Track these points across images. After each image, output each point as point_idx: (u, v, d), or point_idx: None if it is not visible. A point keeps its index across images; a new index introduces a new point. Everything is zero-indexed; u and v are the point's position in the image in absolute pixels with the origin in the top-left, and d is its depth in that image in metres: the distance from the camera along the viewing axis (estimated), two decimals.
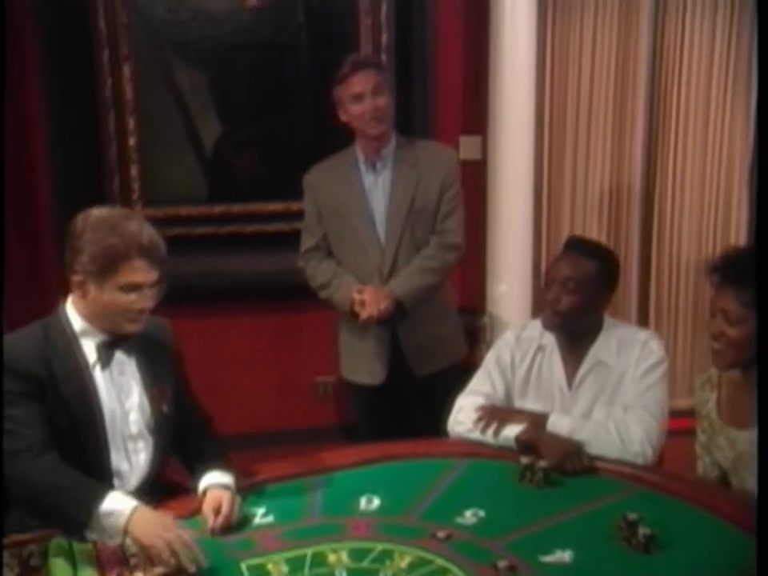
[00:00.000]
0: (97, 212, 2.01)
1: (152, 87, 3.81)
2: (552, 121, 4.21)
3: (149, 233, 1.99)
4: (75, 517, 1.85)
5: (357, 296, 2.81)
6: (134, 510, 1.83)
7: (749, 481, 2.11)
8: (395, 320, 2.88)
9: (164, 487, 2.11)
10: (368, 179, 2.95)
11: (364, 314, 2.79)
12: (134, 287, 1.96)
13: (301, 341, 4.08)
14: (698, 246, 4.32)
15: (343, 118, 2.89)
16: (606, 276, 2.40)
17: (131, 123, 3.80)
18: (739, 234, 4.33)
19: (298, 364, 4.12)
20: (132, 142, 3.82)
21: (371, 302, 2.78)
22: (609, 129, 4.24)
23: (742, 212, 4.31)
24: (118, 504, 1.85)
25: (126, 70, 3.76)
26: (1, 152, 3.21)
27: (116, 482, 2.02)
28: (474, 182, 4.20)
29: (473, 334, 4.09)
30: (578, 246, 2.45)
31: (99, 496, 1.85)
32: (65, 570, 1.77)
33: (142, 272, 1.96)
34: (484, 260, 4.14)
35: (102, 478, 1.98)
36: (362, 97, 2.80)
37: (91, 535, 1.85)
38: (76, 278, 1.97)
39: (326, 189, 2.98)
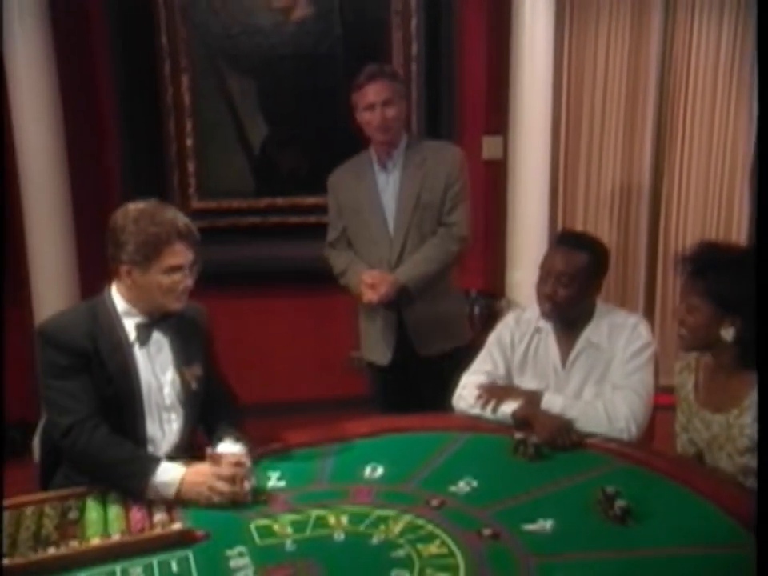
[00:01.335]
0: (134, 206, 1.97)
1: (207, 94, 3.82)
2: (568, 123, 4.11)
3: (183, 219, 1.96)
4: (132, 488, 1.84)
5: (364, 278, 2.75)
6: (183, 481, 1.83)
7: (721, 460, 2.01)
8: (400, 304, 2.80)
9: (193, 452, 2.07)
10: (381, 179, 2.86)
11: (366, 296, 2.73)
12: (176, 268, 1.93)
13: (338, 319, 4.03)
14: (703, 236, 4.16)
15: (358, 119, 2.81)
16: (597, 265, 2.30)
17: (189, 126, 3.82)
18: (740, 229, 4.17)
19: (335, 340, 4.08)
20: (189, 142, 3.84)
21: (374, 286, 2.71)
22: (620, 131, 4.12)
23: (743, 209, 4.15)
24: (168, 475, 1.83)
25: (185, 80, 3.77)
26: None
27: (149, 447, 1.99)
28: (496, 178, 4.13)
29: (492, 315, 4.02)
30: (570, 240, 2.34)
31: (152, 469, 1.83)
32: (98, 523, 1.76)
33: (182, 254, 1.94)
34: (504, 249, 4.05)
35: (137, 443, 1.95)
36: (373, 106, 2.71)
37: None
38: (123, 268, 1.94)
39: (344, 187, 2.92)
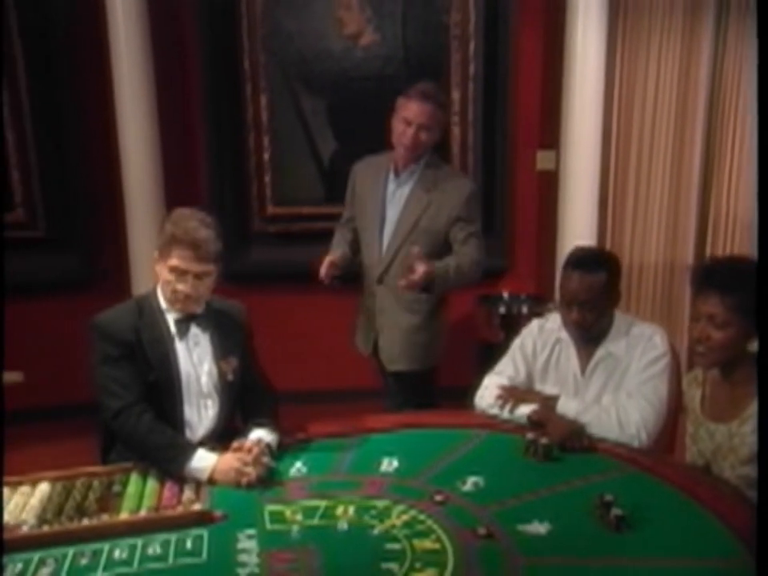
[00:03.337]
0: (177, 210, 1.98)
1: (283, 112, 3.80)
2: (618, 138, 3.86)
3: (203, 232, 1.89)
4: (170, 471, 1.83)
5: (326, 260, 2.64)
6: (214, 469, 1.81)
7: (725, 471, 1.83)
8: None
9: (232, 435, 2.03)
10: (390, 189, 2.65)
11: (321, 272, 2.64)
12: (177, 271, 1.89)
13: None
14: (750, 253, 3.84)
15: (393, 122, 2.60)
16: (614, 279, 2.11)
17: (266, 141, 3.82)
18: None
19: None
20: (266, 156, 3.84)
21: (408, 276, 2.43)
22: (669, 146, 3.84)
23: None
24: (202, 462, 1.82)
25: (263, 99, 3.77)
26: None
27: (187, 430, 1.98)
28: (548, 189, 3.95)
29: (539, 316, 3.86)
30: (585, 262, 2.10)
31: (189, 456, 1.82)
32: (134, 498, 1.75)
33: (186, 260, 1.88)
34: (554, 256, 3.86)
35: (176, 426, 1.95)
36: (409, 123, 2.51)
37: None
38: (155, 258, 1.95)
39: (360, 182, 2.75)
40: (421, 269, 2.34)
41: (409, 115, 2.52)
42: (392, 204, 2.65)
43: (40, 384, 4.00)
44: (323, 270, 2.61)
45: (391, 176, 2.66)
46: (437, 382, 2.79)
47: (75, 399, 3.75)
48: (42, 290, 3.89)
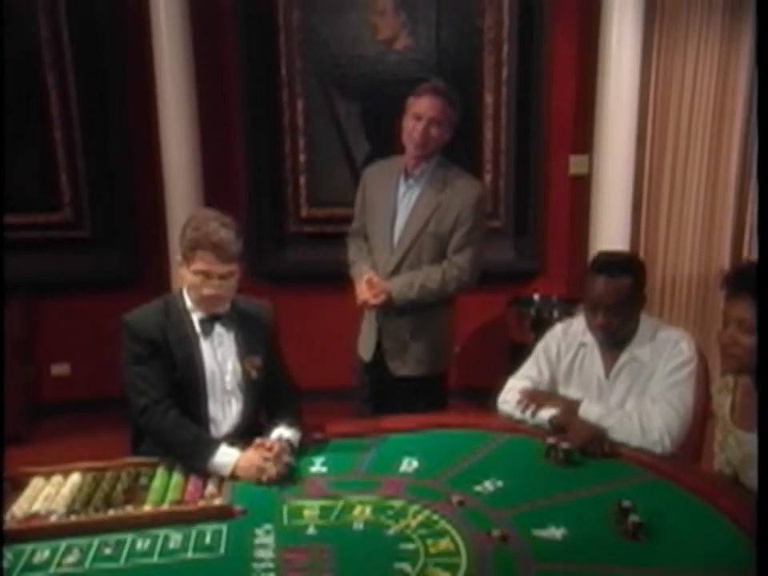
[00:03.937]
0: (196, 212, 2.00)
1: (318, 116, 3.82)
2: (653, 142, 3.78)
3: (223, 234, 1.89)
4: (194, 466, 1.84)
5: (366, 278, 2.49)
6: (236, 465, 1.82)
7: (753, 480, 1.75)
8: (382, 312, 2.57)
9: (256, 432, 2.04)
10: (401, 191, 2.54)
11: (359, 297, 2.50)
12: (202, 273, 1.90)
13: None
14: None
15: (403, 124, 2.50)
16: (639, 282, 2.04)
17: (302, 144, 3.85)
18: None
19: None
20: (302, 158, 3.86)
21: (368, 291, 2.46)
22: (705, 150, 3.74)
23: None
24: (224, 458, 1.83)
25: (299, 104, 3.79)
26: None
27: (211, 426, 1.99)
28: (582, 193, 3.88)
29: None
30: (609, 266, 2.03)
31: (212, 451, 1.83)
32: (159, 491, 1.77)
33: (208, 263, 1.89)
34: (586, 259, 3.77)
35: (201, 422, 1.96)
36: (420, 118, 2.41)
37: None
38: (179, 262, 1.97)
39: (372, 187, 2.66)
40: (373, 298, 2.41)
41: (419, 110, 2.43)
42: (402, 207, 2.55)
43: (83, 377, 4.10)
44: (366, 294, 2.48)
45: (401, 179, 2.56)
46: (445, 387, 2.71)
47: (114, 392, 3.83)
48: (87, 288, 3.98)
